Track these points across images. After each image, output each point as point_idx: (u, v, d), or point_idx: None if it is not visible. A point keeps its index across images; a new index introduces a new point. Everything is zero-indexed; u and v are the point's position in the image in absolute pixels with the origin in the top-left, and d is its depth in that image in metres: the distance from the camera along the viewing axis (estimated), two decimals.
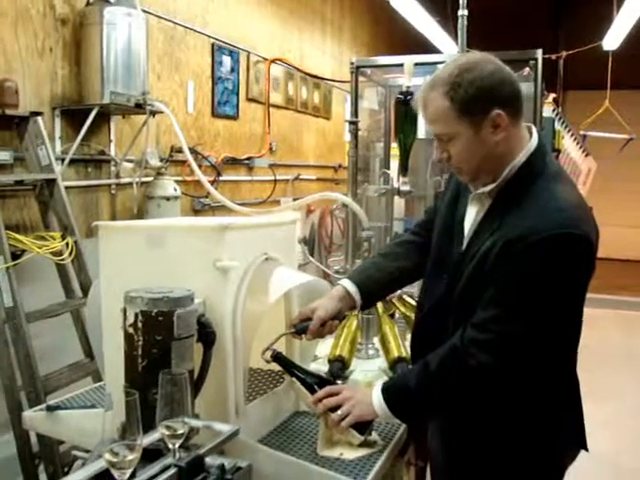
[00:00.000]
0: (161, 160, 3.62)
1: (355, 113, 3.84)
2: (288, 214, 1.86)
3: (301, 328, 1.56)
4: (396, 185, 2.32)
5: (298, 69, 5.36)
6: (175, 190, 3.60)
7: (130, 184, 3.48)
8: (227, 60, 4.48)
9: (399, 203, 5.65)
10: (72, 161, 3.11)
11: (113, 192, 3.46)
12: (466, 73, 1.30)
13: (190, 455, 1.01)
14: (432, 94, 1.34)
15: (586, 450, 1.44)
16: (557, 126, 6.06)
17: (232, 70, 4.57)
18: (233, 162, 4.68)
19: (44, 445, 2.44)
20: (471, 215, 1.45)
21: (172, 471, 0.97)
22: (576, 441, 1.44)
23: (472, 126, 1.32)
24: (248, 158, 4.89)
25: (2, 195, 2.76)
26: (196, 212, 4.25)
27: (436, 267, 1.54)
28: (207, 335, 1.32)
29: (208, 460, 1.12)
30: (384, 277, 1.68)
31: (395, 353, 1.99)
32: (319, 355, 2.10)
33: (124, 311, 1.22)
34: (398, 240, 1.79)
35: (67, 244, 2.64)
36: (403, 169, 2.25)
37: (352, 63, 2.37)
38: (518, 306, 1.27)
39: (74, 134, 3.10)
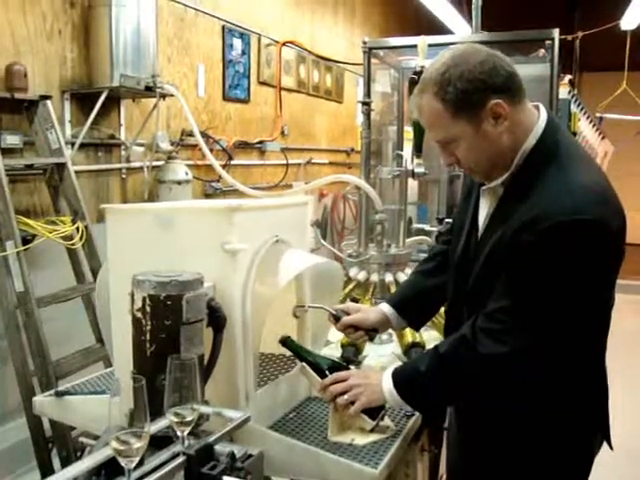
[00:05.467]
0: (172, 144, 3.59)
1: (368, 94, 3.79)
2: (299, 197, 1.82)
3: (337, 315, 1.62)
4: (410, 167, 2.28)
5: (309, 52, 5.29)
6: (186, 174, 3.57)
7: (141, 168, 3.46)
8: (238, 43, 4.43)
9: (412, 187, 5.61)
10: (82, 145, 3.08)
11: (124, 176, 3.44)
12: (453, 68, 1.23)
13: (199, 443, 0.98)
14: (423, 98, 1.28)
15: (609, 443, 1.40)
16: (573, 108, 5.94)
17: (243, 53, 4.51)
18: (245, 146, 4.64)
19: (56, 430, 2.45)
20: (484, 208, 1.39)
21: (180, 459, 0.94)
22: (601, 431, 1.39)
23: (471, 122, 1.25)
24: (260, 142, 4.85)
25: (13, 180, 2.74)
26: (207, 196, 4.23)
27: (452, 263, 1.51)
28: (217, 319, 1.29)
29: (218, 447, 1.09)
30: (422, 297, 1.67)
31: (409, 338, 1.96)
32: (332, 340, 2.08)
33: (132, 295, 1.19)
34: (431, 253, 1.76)
35: (77, 229, 2.62)
36: (417, 150, 2.21)
37: (365, 42, 2.31)
38: (527, 296, 1.22)
39: (84, 118, 3.07)
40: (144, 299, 1.16)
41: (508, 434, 1.35)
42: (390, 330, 2.19)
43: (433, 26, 6.46)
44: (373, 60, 4.09)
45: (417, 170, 2.22)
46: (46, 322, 2.57)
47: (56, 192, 2.79)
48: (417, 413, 1.52)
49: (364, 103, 2.22)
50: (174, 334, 1.16)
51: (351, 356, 1.94)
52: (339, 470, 1.25)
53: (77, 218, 2.69)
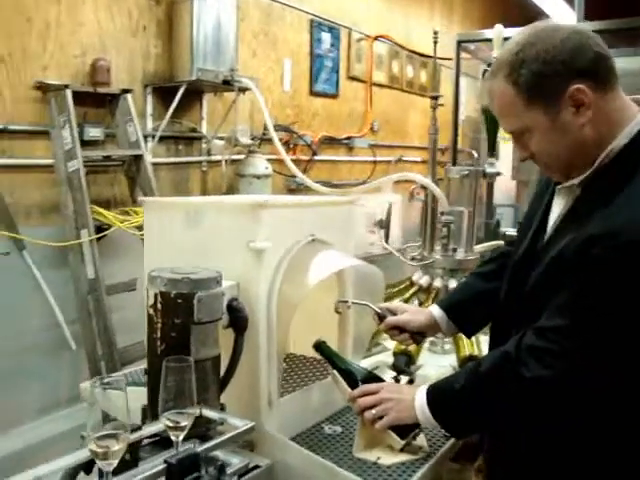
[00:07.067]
0: (253, 138, 3.60)
1: (456, 89, 3.63)
2: (345, 197, 1.74)
3: (382, 315, 1.52)
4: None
5: (402, 47, 5.15)
6: (266, 168, 3.57)
7: (221, 162, 3.49)
8: (326, 37, 4.38)
9: (509, 188, 5.33)
10: (164, 138, 3.15)
11: (204, 169, 3.49)
12: (528, 48, 1.08)
13: (186, 452, 0.93)
14: (495, 82, 1.14)
15: None
16: None
17: (332, 47, 4.46)
18: (331, 142, 4.59)
19: None
20: (556, 210, 1.23)
21: (159, 467, 0.90)
22: None
23: (547, 111, 1.09)
24: (347, 138, 4.78)
25: (95, 171, 2.85)
26: (291, 191, 4.21)
27: (510, 265, 1.36)
28: (238, 320, 1.24)
29: (221, 455, 1.04)
30: (476, 301, 1.51)
31: (466, 351, 1.83)
32: (389, 347, 1.98)
33: (147, 291, 1.16)
34: (494, 254, 1.61)
35: None
36: (491, 147, 2.05)
37: (435, 33, 2.17)
38: (586, 318, 1.06)
39: (166, 111, 3.13)
40: (156, 296, 1.13)
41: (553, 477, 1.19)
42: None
43: (538, 18, 6.09)
44: (465, 55, 3.93)
45: (489, 170, 2.05)
46: (117, 310, 2.65)
47: (133, 183, 2.87)
48: None
49: (432, 97, 2.08)
50: (185, 334, 1.12)
51: (402, 365, 1.82)
52: None
53: None
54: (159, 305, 1.13)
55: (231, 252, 1.28)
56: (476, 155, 2.10)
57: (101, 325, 2.50)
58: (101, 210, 2.60)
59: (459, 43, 3.49)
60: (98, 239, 2.58)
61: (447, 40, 5.96)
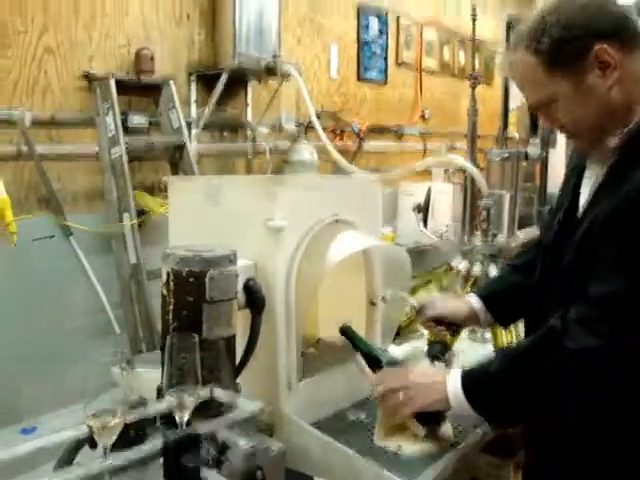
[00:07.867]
0: (298, 125, 3.57)
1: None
2: (364, 176, 1.69)
3: (419, 310, 1.53)
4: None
5: (454, 32, 5.01)
6: (312, 155, 3.54)
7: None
8: (374, 23, 4.30)
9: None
10: (209, 126, 3.16)
11: (250, 157, 3.49)
12: (549, 16, 1.06)
13: (186, 430, 0.91)
14: (516, 54, 1.12)
15: None
16: None
17: (380, 34, 4.38)
18: (380, 130, 4.52)
19: None
20: (588, 182, 1.18)
21: (156, 444, 0.88)
22: None
23: (571, 77, 1.07)
24: (397, 125, 4.69)
25: (139, 158, 2.89)
26: None
27: (543, 247, 1.31)
28: (255, 301, 1.22)
29: (230, 437, 1.02)
30: (513, 292, 1.48)
31: (504, 339, 1.76)
32: (426, 334, 1.93)
33: (161, 269, 1.15)
34: (530, 244, 1.59)
35: None
36: (532, 128, 1.96)
37: (474, 9, 2.08)
38: (634, 277, 1.00)
39: (211, 99, 3.14)
40: (168, 274, 1.12)
41: (598, 462, 1.12)
42: None
43: None
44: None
45: (531, 152, 1.96)
46: (158, 295, 2.67)
47: (177, 170, 2.89)
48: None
49: (471, 77, 2.00)
50: (197, 312, 1.11)
51: (437, 353, 1.77)
52: (370, 477, 1.12)
53: None
54: (171, 283, 1.12)
55: (250, 231, 1.26)
56: (517, 136, 2.01)
57: (142, 310, 2.54)
58: (143, 195, 2.63)
59: (509, 24, 3.35)
60: (140, 225, 2.62)
61: (498, 24, 5.77)
